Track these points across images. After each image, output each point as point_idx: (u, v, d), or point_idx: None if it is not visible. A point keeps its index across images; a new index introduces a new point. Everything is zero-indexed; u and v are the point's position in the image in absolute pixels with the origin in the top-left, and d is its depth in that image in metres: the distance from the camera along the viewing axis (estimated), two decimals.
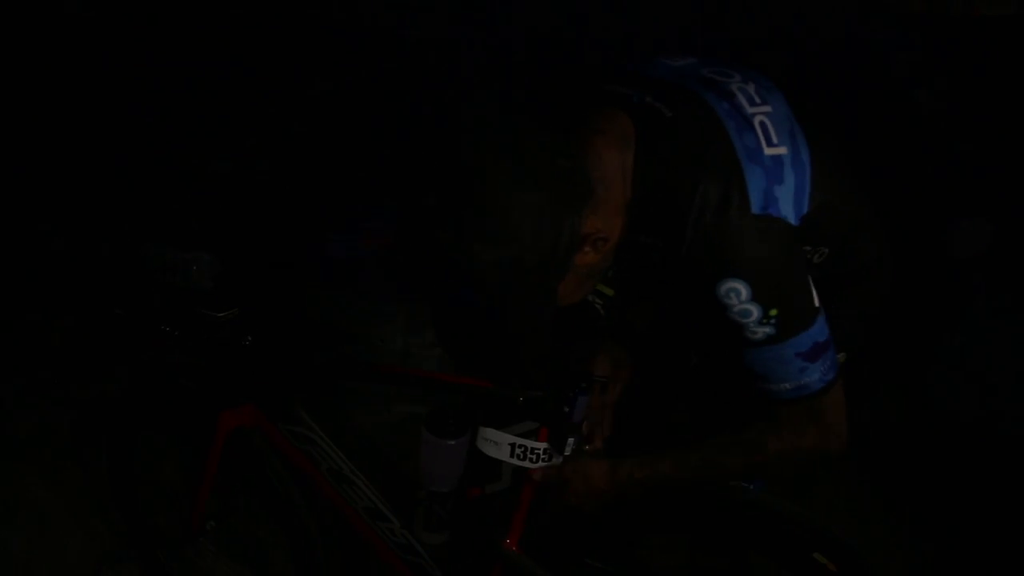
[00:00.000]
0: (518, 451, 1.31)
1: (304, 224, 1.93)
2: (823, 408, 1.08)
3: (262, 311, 1.43)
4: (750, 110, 1.07)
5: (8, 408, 2.50)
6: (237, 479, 1.65)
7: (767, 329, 1.03)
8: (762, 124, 1.06)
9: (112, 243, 3.32)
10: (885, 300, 1.33)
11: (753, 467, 1.14)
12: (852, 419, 1.12)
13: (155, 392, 1.63)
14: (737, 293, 1.01)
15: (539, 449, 1.30)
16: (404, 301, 1.57)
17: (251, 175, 3.89)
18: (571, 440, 1.29)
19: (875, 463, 2.47)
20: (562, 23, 3.23)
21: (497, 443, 1.32)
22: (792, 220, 1.05)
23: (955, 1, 2.79)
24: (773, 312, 1.02)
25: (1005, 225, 2.80)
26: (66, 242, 3.50)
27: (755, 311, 1.02)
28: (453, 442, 1.34)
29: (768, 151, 1.05)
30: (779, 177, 1.04)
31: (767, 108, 1.08)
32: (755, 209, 1.02)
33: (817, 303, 1.06)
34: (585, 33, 3.15)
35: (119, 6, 4.69)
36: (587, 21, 3.19)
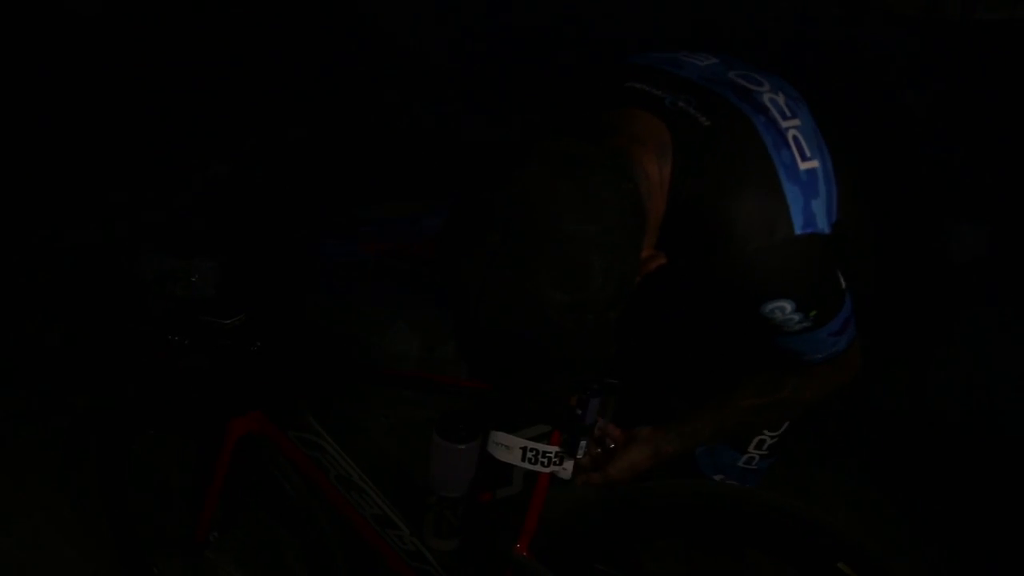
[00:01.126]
0: (529, 455, 1.29)
1: (304, 229, 1.91)
2: (846, 359, 1.17)
3: (269, 317, 1.42)
4: (784, 124, 1.06)
5: (5, 418, 2.47)
6: (244, 488, 1.63)
7: (805, 324, 1.08)
8: (795, 139, 1.06)
9: (113, 251, 3.30)
10: (867, 302, 1.34)
11: (783, 413, 1.26)
12: (852, 418, 1.16)
13: (160, 401, 1.61)
14: (782, 309, 1.05)
15: (551, 452, 1.29)
16: (406, 306, 1.56)
17: (250, 179, 3.88)
18: (583, 443, 1.28)
19: (875, 464, 2.48)
20: (558, 23, 3.25)
21: (508, 447, 1.30)
22: (827, 231, 1.07)
23: (952, 4, 2.81)
24: (812, 313, 1.07)
25: (1003, 229, 2.82)
26: (67, 250, 3.48)
27: (797, 316, 1.07)
28: (464, 446, 1.33)
29: (803, 166, 1.05)
30: (815, 191, 1.06)
31: (797, 121, 1.08)
32: (798, 230, 1.03)
33: (844, 285, 1.11)
34: (580, 32, 3.17)
35: (119, 10, 4.68)
36: (581, 21, 3.20)
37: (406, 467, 1.63)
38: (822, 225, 1.05)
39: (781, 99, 1.09)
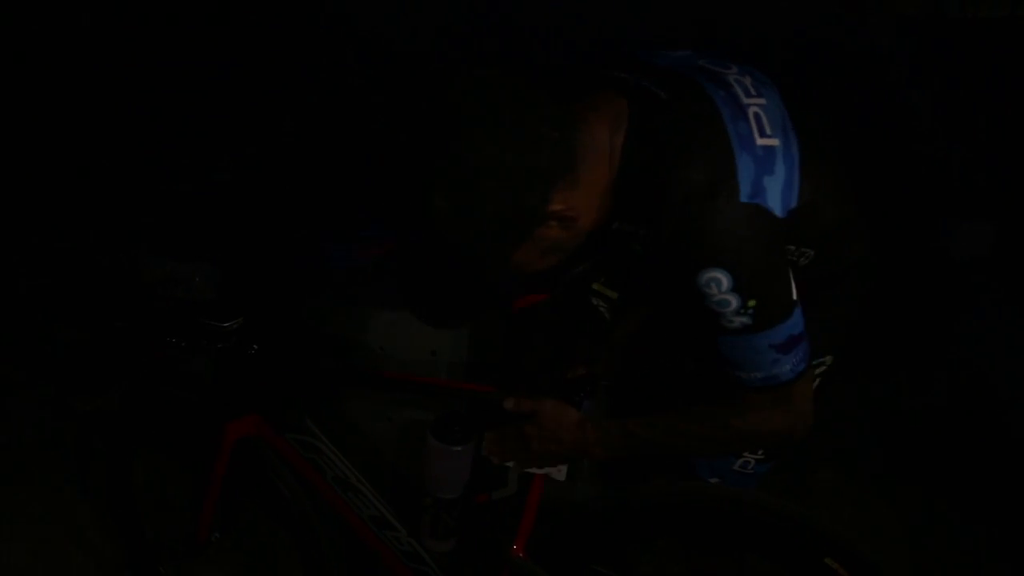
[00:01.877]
0: None
1: (302, 233, 1.92)
2: (791, 396, 1.08)
3: (267, 320, 1.42)
4: (745, 100, 1.06)
5: (10, 421, 2.49)
6: (242, 490, 1.64)
7: (744, 319, 1.01)
8: (756, 115, 1.05)
9: (112, 254, 3.32)
10: (868, 301, 1.32)
11: (715, 440, 1.14)
12: (853, 418, 1.13)
13: (157, 404, 1.62)
14: (718, 283, 0.99)
15: None
16: (404, 308, 1.57)
17: (250, 184, 3.89)
18: None
19: (878, 463, 2.47)
20: (558, 25, 3.24)
21: None
22: (778, 212, 1.04)
23: (953, 2, 2.80)
24: (751, 303, 1.00)
25: (1005, 227, 2.81)
26: (67, 253, 3.50)
27: (734, 301, 1.00)
28: (459, 448, 1.34)
29: (760, 141, 1.04)
30: (770, 168, 1.03)
31: (762, 100, 1.08)
32: (743, 197, 1.00)
33: (795, 295, 1.05)
34: (580, 34, 3.16)
35: (119, 18, 4.70)
36: (582, 21, 3.20)
37: (403, 469, 1.64)
38: (772, 204, 1.03)
39: (747, 80, 1.10)
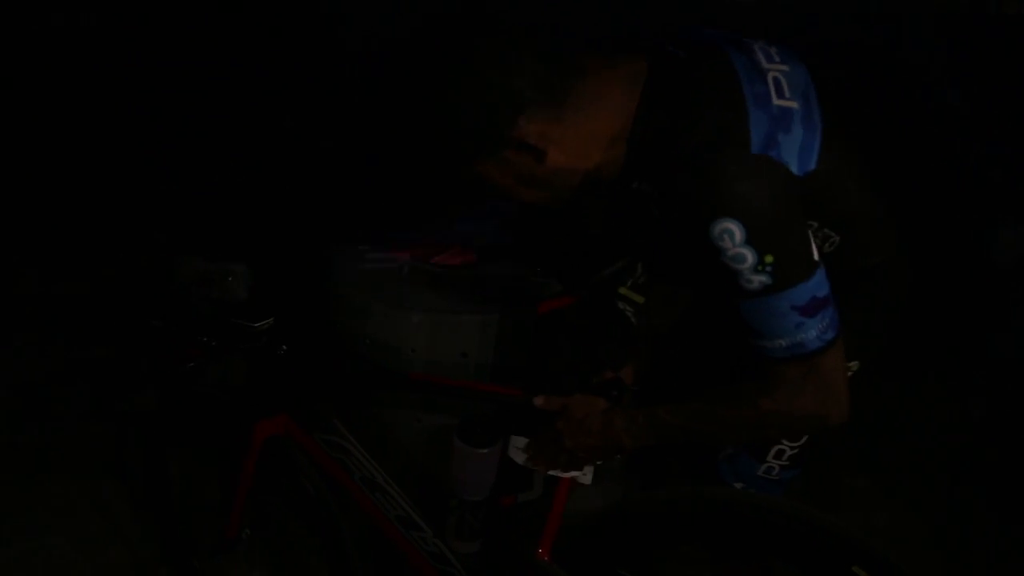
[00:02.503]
0: None
1: (337, 234, 1.94)
2: (820, 369, 1.03)
3: (297, 321, 1.44)
4: (766, 65, 1.06)
5: (50, 418, 2.56)
6: (272, 488, 1.66)
7: (762, 278, 0.99)
8: (776, 79, 1.05)
9: (149, 255, 3.39)
10: (900, 310, 1.29)
11: (745, 423, 1.09)
12: (887, 425, 1.10)
13: (191, 403, 1.65)
14: (731, 235, 0.97)
15: None
16: (440, 311, 1.58)
17: (284, 186, 3.95)
18: None
19: (912, 470, 2.43)
20: (551, 25, 3.24)
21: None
22: (794, 169, 1.02)
23: (992, 1, 2.75)
24: (768, 259, 0.98)
25: None
26: (106, 253, 3.58)
27: (750, 256, 0.98)
28: (485, 451, 1.34)
29: (777, 101, 1.03)
30: (786, 127, 1.02)
31: (784, 67, 1.07)
32: (754, 148, 0.99)
33: (817, 257, 1.02)
34: (583, 33, 3.16)
35: (164, 31, 4.83)
36: (585, 21, 3.19)
37: (430, 470, 1.65)
38: (788, 158, 1.01)
39: (772, 49, 1.10)
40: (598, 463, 1.29)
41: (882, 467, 2.44)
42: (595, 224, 1.23)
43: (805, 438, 1.35)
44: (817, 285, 1.01)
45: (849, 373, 1.27)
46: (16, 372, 2.77)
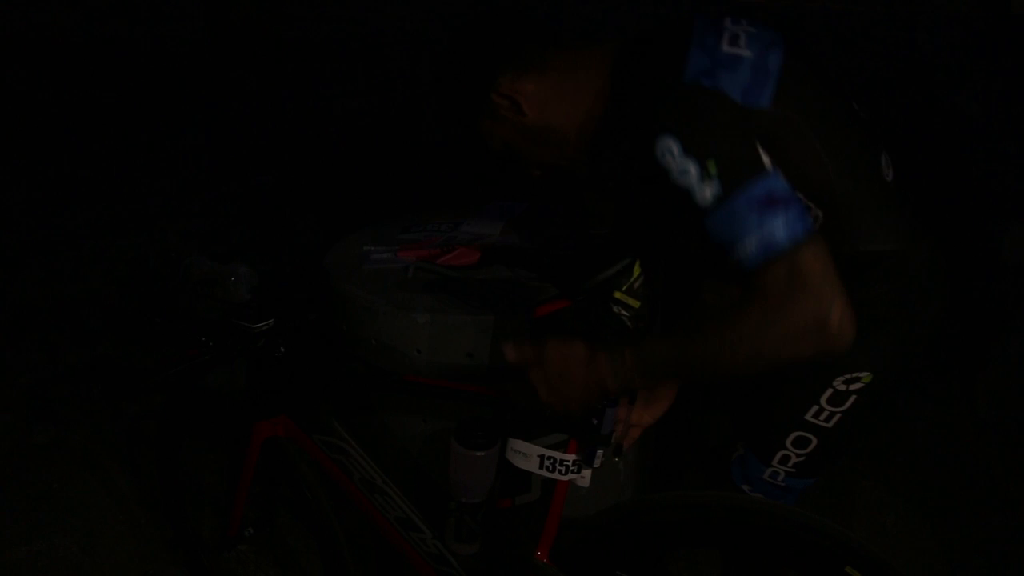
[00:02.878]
0: (547, 463, 1.30)
1: (340, 235, 1.95)
2: (802, 269, 0.96)
3: (296, 322, 1.45)
4: (728, 25, 1.12)
5: (62, 418, 2.58)
6: (273, 488, 1.67)
7: (713, 188, 0.99)
8: (733, 34, 1.10)
9: (161, 256, 3.42)
10: (920, 323, 1.27)
11: (741, 346, 0.99)
12: (901, 431, 1.08)
13: (192, 403, 1.67)
14: (671, 151, 1.01)
15: (568, 461, 1.30)
16: (445, 312, 1.58)
17: (290, 189, 3.98)
18: (599, 452, 1.28)
19: (920, 472, 2.42)
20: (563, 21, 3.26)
21: (526, 455, 1.31)
22: (736, 97, 1.04)
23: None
24: (711, 166, 0.99)
25: None
26: (114, 253, 3.62)
27: (692, 168, 1.00)
28: (482, 454, 1.34)
29: (727, 49, 1.08)
30: (731, 68, 1.06)
31: (751, 29, 1.12)
32: (686, 78, 1.04)
33: (767, 163, 1.02)
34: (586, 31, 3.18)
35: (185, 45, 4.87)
36: (588, 20, 3.20)
37: (429, 472, 1.65)
38: (727, 88, 1.04)
39: (745, 21, 1.15)
40: (595, 466, 1.29)
41: (892, 470, 2.43)
42: (602, 269, 1.23)
43: (812, 447, 1.33)
44: (772, 183, 1.00)
45: (859, 385, 1.26)
46: (24, 373, 2.80)
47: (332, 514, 1.51)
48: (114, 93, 4.87)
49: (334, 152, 4.40)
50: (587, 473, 1.31)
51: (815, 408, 1.30)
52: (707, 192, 1.00)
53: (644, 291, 1.23)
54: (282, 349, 1.41)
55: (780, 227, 0.97)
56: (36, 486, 2.31)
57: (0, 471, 2.36)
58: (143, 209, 4.01)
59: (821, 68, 1.17)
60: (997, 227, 2.72)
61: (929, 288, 1.26)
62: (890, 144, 1.25)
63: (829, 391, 1.28)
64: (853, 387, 1.27)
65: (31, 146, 4.65)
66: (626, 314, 1.21)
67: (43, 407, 2.62)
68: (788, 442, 1.35)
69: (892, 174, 1.23)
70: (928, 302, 1.27)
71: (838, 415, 1.30)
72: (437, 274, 1.70)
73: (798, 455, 1.35)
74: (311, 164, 4.27)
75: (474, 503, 1.41)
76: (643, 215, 1.50)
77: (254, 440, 1.49)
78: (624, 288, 1.21)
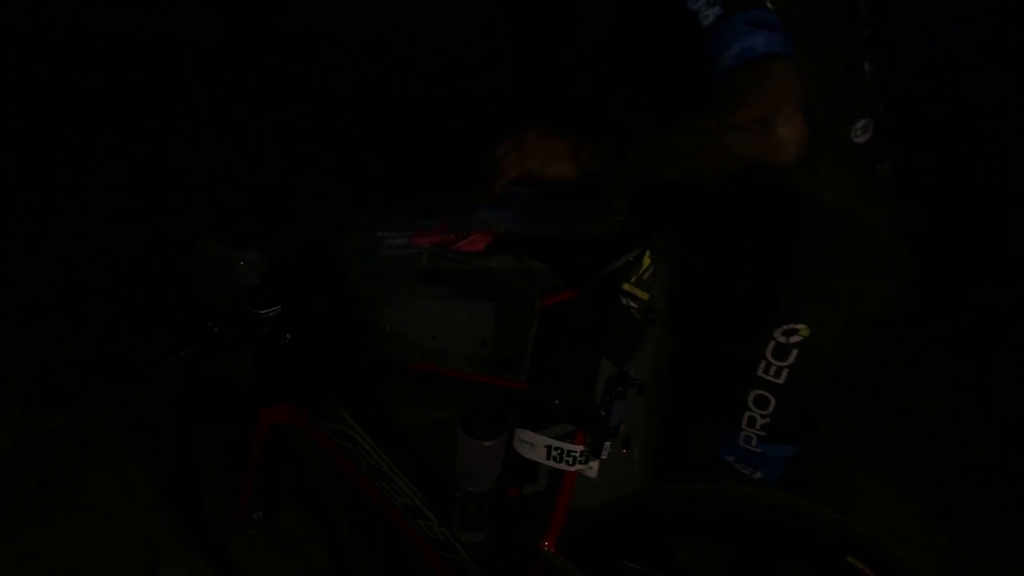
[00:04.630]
0: (554, 453, 1.30)
1: (353, 222, 1.95)
2: (768, 73, 1.06)
3: (304, 309, 1.45)
4: None
5: (70, 406, 2.59)
6: (280, 474, 1.68)
7: (715, 9, 1.08)
8: None
9: (172, 243, 3.43)
10: (873, 297, 1.34)
11: (699, 133, 1.11)
12: (905, 425, 1.09)
13: (201, 389, 1.67)
14: None
15: (575, 452, 1.29)
16: (459, 299, 1.58)
17: (301, 175, 3.98)
18: (607, 443, 1.28)
19: (934, 469, 2.41)
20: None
21: (533, 445, 1.31)
22: None
23: None
24: None
25: None
26: (126, 240, 3.63)
27: None
28: (489, 443, 1.34)
29: None
30: None
31: None
32: None
33: (768, 3, 1.09)
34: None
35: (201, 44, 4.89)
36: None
37: (436, 460, 1.66)
38: None
39: None
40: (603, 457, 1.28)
41: (899, 467, 2.42)
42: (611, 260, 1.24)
43: (773, 405, 1.41)
44: (767, 14, 1.08)
45: (797, 338, 1.35)
46: (31, 360, 2.81)
47: (334, 501, 1.52)
48: (122, 83, 4.88)
49: (344, 140, 4.39)
50: (595, 464, 1.31)
51: (764, 363, 1.41)
52: (711, 15, 1.08)
53: (653, 283, 1.23)
54: (288, 336, 1.41)
55: (763, 41, 1.07)
56: (43, 473, 2.32)
57: (8, 459, 2.37)
58: (151, 197, 4.02)
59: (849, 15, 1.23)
60: (1007, 221, 2.70)
61: (883, 257, 1.32)
62: (889, 115, 1.30)
63: (772, 343, 1.39)
64: (792, 339, 1.37)
65: (39, 136, 4.67)
66: (635, 306, 1.20)
67: (50, 394, 2.63)
68: (750, 401, 1.44)
69: (866, 139, 1.28)
70: (880, 270, 1.33)
71: (785, 370, 1.39)
72: (452, 261, 1.69)
73: (762, 416, 1.44)
74: (321, 152, 4.27)
75: (481, 492, 1.41)
76: (654, 64, 1.50)
77: (260, 426, 1.49)
78: (633, 280, 1.20)
